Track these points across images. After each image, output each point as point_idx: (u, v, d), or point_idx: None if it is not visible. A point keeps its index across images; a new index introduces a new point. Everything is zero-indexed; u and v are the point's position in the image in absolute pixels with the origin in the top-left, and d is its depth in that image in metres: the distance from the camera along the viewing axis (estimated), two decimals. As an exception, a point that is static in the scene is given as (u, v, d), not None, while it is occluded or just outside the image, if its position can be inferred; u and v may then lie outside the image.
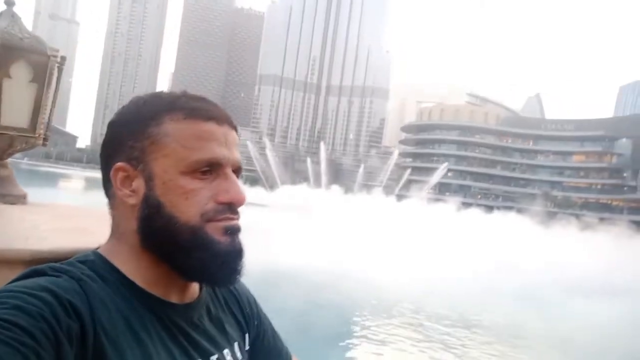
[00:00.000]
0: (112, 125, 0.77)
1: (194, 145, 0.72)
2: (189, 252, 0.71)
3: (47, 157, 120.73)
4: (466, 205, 51.68)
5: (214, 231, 0.72)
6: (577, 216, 53.89)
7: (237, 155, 0.76)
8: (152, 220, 0.72)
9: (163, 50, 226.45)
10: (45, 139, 1.84)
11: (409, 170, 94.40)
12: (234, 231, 0.73)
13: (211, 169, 0.73)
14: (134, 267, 0.73)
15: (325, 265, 11.69)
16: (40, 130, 1.80)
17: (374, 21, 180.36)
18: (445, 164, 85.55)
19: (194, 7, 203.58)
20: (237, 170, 0.76)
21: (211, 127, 0.74)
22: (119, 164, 0.73)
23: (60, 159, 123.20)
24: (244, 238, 0.75)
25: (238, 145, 0.77)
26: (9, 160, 1.84)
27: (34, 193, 1.88)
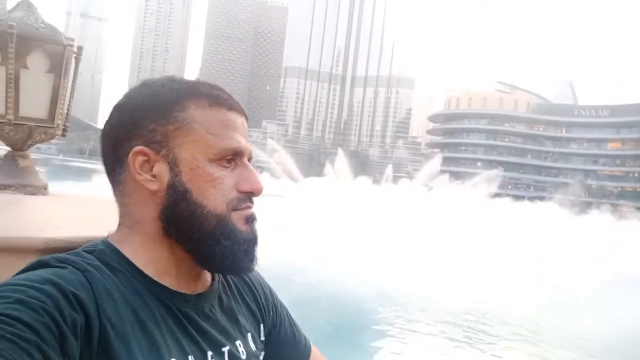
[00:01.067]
0: (123, 108, 0.75)
1: (222, 133, 0.72)
2: (214, 240, 0.71)
3: (81, 152, 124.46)
4: (497, 195, 50.67)
5: (237, 220, 0.72)
6: (613, 205, 52.18)
7: (249, 145, 0.77)
8: (178, 208, 0.70)
9: (189, 45, 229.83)
10: (64, 130, 1.84)
11: (436, 161, 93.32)
12: (253, 219, 0.75)
13: (234, 158, 0.73)
14: (146, 256, 0.71)
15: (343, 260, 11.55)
16: (59, 120, 1.79)
17: (398, 10, 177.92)
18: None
19: (219, 1, 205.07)
20: (249, 159, 0.77)
21: (234, 116, 0.75)
22: (139, 147, 0.71)
23: (93, 154, 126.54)
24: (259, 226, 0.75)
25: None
26: (39, 156, 1.85)
27: (67, 187, 1.87)
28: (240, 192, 0.73)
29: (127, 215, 0.74)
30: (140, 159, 0.71)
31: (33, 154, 1.84)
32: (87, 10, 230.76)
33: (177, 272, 0.73)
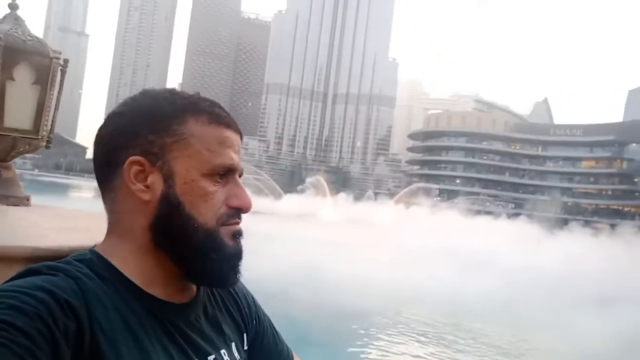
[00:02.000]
0: (122, 115, 0.75)
1: (217, 150, 0.73)
2: (202, 254, 0.72)
3: (57, 167, 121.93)
4: (475, 212, 51.28)
5: (225, 235, 0.74)
6: (587, 222, 53.26)
7: (240, 161, 0.78)
8: (170, 219, 0.71)
9: (171, 61, 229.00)
10: (48, 141, 1.84)
11: (415, 180, 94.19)
12: (240, 235, 0.76)
13: (226, 174, 0.75)
14: (134, 265, 0.72)
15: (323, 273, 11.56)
16: (44, 132, 1.80)
17: (379, 29, 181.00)
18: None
19: (201, 17, 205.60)
20: (240, 176, 0.79)
21: (230, 134, 0.76)
22: (135, 157, 0.72)
23: (70, 169, 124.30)
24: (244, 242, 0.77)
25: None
26: (24, 171, 1.84)
27: (43, 201, 1.88)
28: (230, 207, 0.74)
29: (117, 224, 0.74)
30: (135, 168, 0.72)
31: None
32: (66, 24, 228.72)
33: (164, 282, 0.73)
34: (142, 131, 0.72)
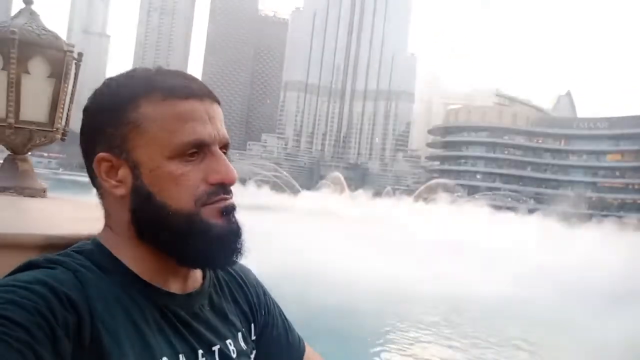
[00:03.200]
0: (87, 112, 0.73)
1: (176, 128, 0.69)
2: (185, 239, 0.69)
3: (81, 167, 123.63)
4: (496, 207, 50.57)
5: (210, 215, 0.70)
6: (617, 217, 51.89)
7: (223, 130, 0.73)
8: (144, 211, 0.69)
9: (190, 59, 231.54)
10: (64, 134, 1.87)
11: (435, 175, 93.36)
12: (229, 211, 0.72)
13: (198, 150, 0.70)
14: (132, 257, 0.71)
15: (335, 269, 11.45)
16: (59, 124, 1.83)
17: (397, 25, 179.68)
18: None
19: (220, 16, 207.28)
20: (225, 147, 0.73)
21: (191, 105, 0.70)
22: (101, 154, 0.70)
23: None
24: (240, 216, 0.73)
25: (222, 119, 0.74)
26: (41, 170, 1.88)
27: (61, 196, 1.91)
28: (211, 184, 0.70)
29: (108, 217, 0.74)
30: (105, 164, 0.70)
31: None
32: (88, 26, 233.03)
33: (165, 273, 0.72)
34: (103, 125, 0.70)
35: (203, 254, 0.70)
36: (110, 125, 0.70)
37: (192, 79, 0.73)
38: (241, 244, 0.73)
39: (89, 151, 0.72)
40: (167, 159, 0.68)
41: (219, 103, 0.74)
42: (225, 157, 0.72)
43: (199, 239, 0.69)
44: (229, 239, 0.71)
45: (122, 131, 0.69)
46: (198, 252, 0.70)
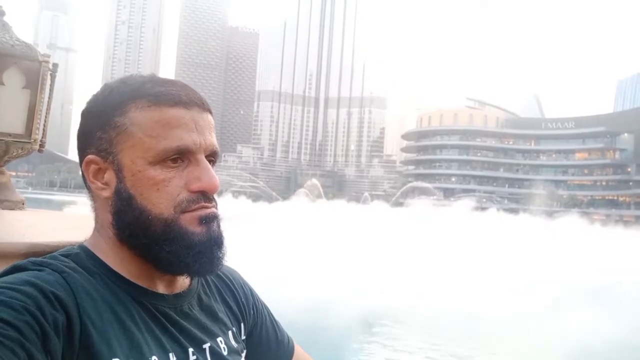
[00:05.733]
0: (83, 115, 0.75)
1: (160, 134, 0.69)
2: (161, 245, 0.69)
3: (52, 185, 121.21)
4: (473, 208, 51.37)
5: (188, 222, 0.70)
6: (585, 214, 53.36)
7: (210, 139, 0.73)
8: (124, 214, 0.70)
9: (161, 72, 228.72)
10: (41, 145, 1.85)
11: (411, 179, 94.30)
12: (209, 220, 0.71)
13: (181, 156, 0.70)
14: (116, 259, 0.71)
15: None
16: (36, 135, 1.81)
17: (368, 31, 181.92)
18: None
19: (189, 28, 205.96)
20: (213, 155, 0.74)
21: (178, 112, 0.71)
22: (90, 156, 0.72)
23: (64, 186, 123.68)
24: (223, 225, 0.73)
25: (213, 128, 0.74)
26: (18, 190, 1.85)
27: None
28: (192, 192, 0.70)
29: (95, 220, 0.75)
30: (93, 167, 0.72)
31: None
32: (54, 41, 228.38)
33: (149, 274, 0.72)
34: (93, 129, 0.72)
35: (178, 261, 0.70)
36: (100, 129, 0.71)
37: (183, 87, 0.73)
38: (222, 253, 0.73)
39: (80, 154, 0.74)
40: (149, 164, 0.69)
41: (210, 112, 0.75)
42: (209, 166, 0.72)
43: (175, 245, 0.69)
44: (206, 248, 0.71)
45: (110, 135, 0.71)
46: (172, 259, 0.69)
